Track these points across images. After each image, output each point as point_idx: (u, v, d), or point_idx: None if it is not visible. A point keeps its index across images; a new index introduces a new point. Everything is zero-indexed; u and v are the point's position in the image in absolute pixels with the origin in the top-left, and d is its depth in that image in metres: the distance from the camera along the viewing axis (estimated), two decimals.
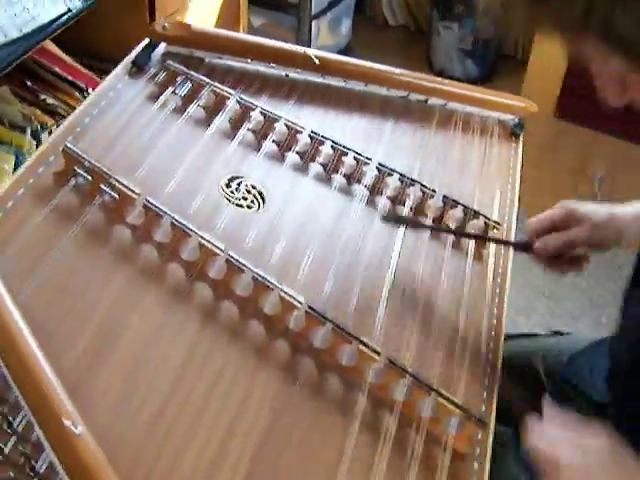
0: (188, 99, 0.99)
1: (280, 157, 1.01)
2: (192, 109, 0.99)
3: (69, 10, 1.41)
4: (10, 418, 0.62)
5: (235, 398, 0.75)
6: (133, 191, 0.81)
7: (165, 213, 0.81)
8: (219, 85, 1.00)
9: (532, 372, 1.12)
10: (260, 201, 0.94)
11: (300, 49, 1.12)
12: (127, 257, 0.80)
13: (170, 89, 0.98)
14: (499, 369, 0.92)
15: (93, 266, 0.77)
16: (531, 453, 0.77)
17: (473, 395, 0.86)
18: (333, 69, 1.14)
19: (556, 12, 0.64)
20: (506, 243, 1.04)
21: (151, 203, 0.81)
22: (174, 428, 0.70)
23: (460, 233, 1.02)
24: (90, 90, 1.97)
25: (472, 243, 1.04)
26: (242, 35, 1.29)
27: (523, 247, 1.03)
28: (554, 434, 0.77)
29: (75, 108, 0.87)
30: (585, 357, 1.11)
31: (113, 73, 0.98)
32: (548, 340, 1.20)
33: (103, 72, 1.94)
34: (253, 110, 1.01)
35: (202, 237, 0.81)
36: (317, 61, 1.10)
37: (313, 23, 2.73)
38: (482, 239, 1.04)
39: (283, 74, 1.13)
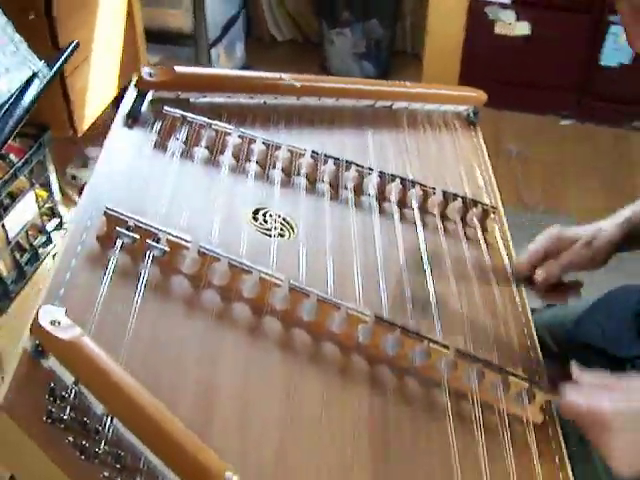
0: (192, 142, 0.99)
1: (289, 182, 1.02)
2: (199, 151, 0.99)
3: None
4: None
5: (337, 419, 0.76)
6: (185, 240, 0.81)
7: (221, 256, 0.81)
8: (218, 123, 1.01)
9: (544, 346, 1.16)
10: (288, 227, 0.95)
11: (276, 76, 1.13)
12: (195, 306, 0.79)
13: (176, 134, 0.98)
14: (535, 338, 0.97)
15: (169, 325, 0.76)
16: (572, 413, 0.79)
17: (529, 366, 0.92)
18: (309, 90, 1.16)
19: None
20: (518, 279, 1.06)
21: (205, 248, 0.81)
22: (297, 459, 0.70)
23: None
24: (12, 156, 1.92)
25: (481, 233, 1.09)
26: (222, 71, 1.28)
27: (524, 280, 1.05)
28: (591, 389, 0.80)
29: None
30: (592, 316, 1.16)
31: (113, 128, 0.97)
32: (545, 313, 1.25)
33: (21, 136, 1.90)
34: (254, 142, 1.02)
35: (261, 271, 0.82)
36: (298, 85, 1.12)
37: (212, 51, 2.74)
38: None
39: (262, 102, 1.14)
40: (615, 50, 2.78)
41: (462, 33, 2.89)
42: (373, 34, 3.07)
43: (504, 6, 2.79)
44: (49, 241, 2.11)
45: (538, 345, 0.97)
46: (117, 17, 2.36)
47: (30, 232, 2.05)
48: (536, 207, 2.57)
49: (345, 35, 3.05)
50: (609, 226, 1.05)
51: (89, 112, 2.21)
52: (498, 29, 2.83)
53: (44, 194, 2.10)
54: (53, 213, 2.16)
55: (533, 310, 1.29)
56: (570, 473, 0.82)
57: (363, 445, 0.76)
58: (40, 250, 2.08)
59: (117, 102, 2.37)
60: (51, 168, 2.08)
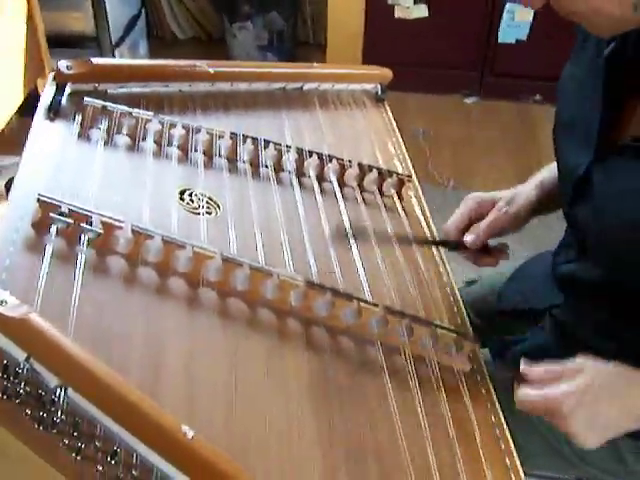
0: (114, 130, 1.02)
1: (211, 163, 1.06)
2: (122, 139, 1.02)
3: None
4: (113, 450, 0.64)
5: (279, 377, 0.81)
6: (118, 220, 0.83)
7: (155, 233, 0.84)
8: (138, 111, 1.03)
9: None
10: (215, 206, 0.99)
11: (190, 63, 1.17)
12: (133, 284, 0.82)
13: (97, 124, 1.00)
14: (457, 293, 1.04)
15: (110, 303, 0.79)
16: (529, 408, 0.84)
17: (454, 320, 0.99)
18: (222, 75, 1.20)
19: None
20: (443, 244, 1.11)
21: (139, 227, 0.84)
22: (245, 416, 0.75)
23: (421, 241, 1.11)
24: None
25: (398, 202, 1.15)
26: (138, 61, 1.30)
27: (456, 246, 1.09)
28: (541, 382, 0.84)
29: None
30: (512, 284, 1.23)
31: (35, 122, 0.99)
32: (465, 291, 1.29)
33: None
34: (174, 127, 1.05)
35: (194, 245, 0.85)
36: (212, 70, 1.15)
37: (116, 52, 2.73)
38: (431, 244, 1.12)
39: (177, 90, 1.17)
40: (511, 27, 2.90)
41: (362, 19, 2.96)
42: (274, 26, 3.12)
43: None
44: None
45: (460, 299, 1.04)
46: (17, 23, 2.33)
47: None
48: (446, 184, 2.66)
49: (247, 29, 3.09)
50: (525, 188, 1.11)
51: None
52: (397, 13, 2.91)
53: None
54: None
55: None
56: (500, 414, 0.89)
57: (305, 399, 0.80)
58: None
59: (22, 110, 2.34)
60: None
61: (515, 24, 2.87)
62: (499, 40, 2.93)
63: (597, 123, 0.88)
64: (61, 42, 2.66)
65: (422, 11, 2.90)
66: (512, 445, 0.85)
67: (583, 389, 0.81)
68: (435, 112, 2.99)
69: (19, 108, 2.35)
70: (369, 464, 0.77)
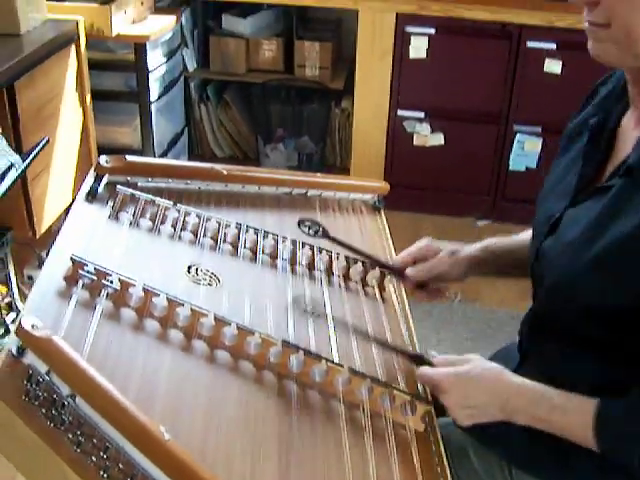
0: (138, 215, 1.23)
1: (217, 247, 1.27)
2: (144, 222, 1.23)
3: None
4: (105, 446, 0.83)
5: (251, 418, 0.98)
6: (132, 279, 1.04)
7: (161, 292, 1.04)
8: (160, 199, 1.25)
9: None
10: (215, 279, 1.19)
11: (208, 166, 1.40)
12: (139, 330, 1.02)
13: (125, 209, 1.22)
14: None
15: (119, 343, 0.99)
16: (423, 381, 1.12)
17: (412, 383, 1.15)
18: (236, 177, 1.42)
19: None
20: (388, 268, 1.36)
21: (149, 286, 1.04)
22: (217, 444, 0.92)
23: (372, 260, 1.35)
24: None
25: (377, 288, 1.34)
26: (164, 161, 1.53)
27: (399, 273, 1.34)
28: (438, 365, 1.11)
29: None
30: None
31: (75, 203, 1.22)
32: None
33: None
34: (189, 215, 1.27)
35: (192, 304, 1.05)
36: (225, 172, 1.38)
37: None
38: (374, 263, 1.35)
39: (197, 187, 1.40)
40: (521, 156, 3.14)
41: (384, 146, 3.23)
42: (305, 149, 3.41)
43: (420, 120, 3.14)
44: (7, 332, 2.30)
45: None
46: (74, 134, 2.63)
47: None
48: (453, 298, 2.84)
49: (279, 150, 3.38)
50: (470, 246, 1.35)
51: (47, 216, 2.45)
52: (416, 141, 3.18)
53: (4, 289, 2.30)
54: (11, 308, 2.36)
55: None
56: (448, 472, 1.04)
57: (271, 439, 0.97)
58: None
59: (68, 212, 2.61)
60: (11, 266, 2.29)
61: (524, 153, 3.11)
62: (510, 168, 3.16)
63: (576, 179, 1.11)
64: (110, 152, 2.94)
65: (439, 139, 3.16)
66: None
67: (462, 373, 1.07)
68: (448, 233, 3.18)
69: (67, 209, 2.62)
70: None
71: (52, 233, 2.53)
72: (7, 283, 2.31)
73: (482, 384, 1.06)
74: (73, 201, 2.52)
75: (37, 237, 2.42)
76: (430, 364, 1.13)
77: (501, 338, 1.91)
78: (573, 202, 1.10)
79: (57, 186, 2.50)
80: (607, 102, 1.13)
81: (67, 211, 2.58)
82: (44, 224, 2.44)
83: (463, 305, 2.81)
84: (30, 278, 2.61)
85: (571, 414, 1.01)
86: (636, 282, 0.97)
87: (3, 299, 2.30)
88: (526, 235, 1.32)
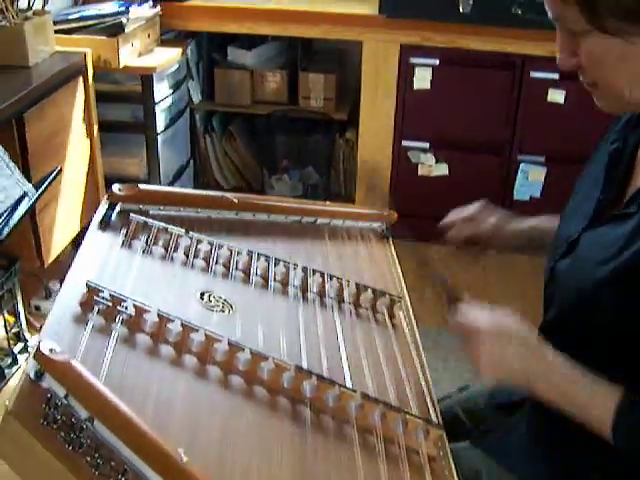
0: (151, 242, 1.25)
1: (229, 274, 1.28)
2: (157, 249, 1.25)
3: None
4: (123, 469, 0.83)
5: (266, 443, 0.99)
6: (147, 305, 1.05)
7: (175, 317, 1.05)
8: (173, 227, 1.27)
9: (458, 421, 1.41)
10: (228, 306, 1.19)
11: (219, 194, 1.41)
12: (154, 356, 1.03)
13: (138, 236, 1.24)
14: (432, 389, 1.21)
15: (134, 369, 1.00)
16: (456, 329, 1.14)
17: (424, 408, 1.15)
18: (246, 206, 1.44)
19: None
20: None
21: (163, 312, 1.05)
22: (233, 465, 0.93)
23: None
24: None
25: (387, 315, 1.34)
26: (176, 189, 1.55)
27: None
28: (474, 313, 1.14)
29: None
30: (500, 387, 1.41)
31: (89, 231, 1.23)
32: (458, 396, 1.49)
33: None
34: (201, 243, 1.28)
35: (206, 330, 1.06)
36: (236, 200, 1.40)
37: None
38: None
39: (208, 216, 1.41)
40: (525, 186, 3.16)
41: (388, 176, 3.25)
42: (309, 179, 3.43)
43: (424, 150, 3.17)
44: (15, 362, 2.30)
45: (434, 393, 1.21)
46: (81, 165, 2.66)
47: None
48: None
49: (284, 180, 3.41)
50: (519, 221, 1.44)
51: (54, 246, 2.47)
52: (420, 171, 3.20)
53: (12, 319, 2.31)
54: (19, 337, 2.36)
55: (449, 396, 1.54)
56: None
57: (285, 464, 0.97)
58: (6, 370, 2.27)
59: (78, 241, 2.63)
60: (19, 296, 2.30)
61: (529, 183, 3.13)
62: (514, 197, 3.18)
63: (595, 202, 1.14)
64: (117, 183, 2.98)
65: (443, 169, 3.19)
66: None
67: (499, 332, 1.09)
68: (453, 263, 3.19)
69: (74, 239, 2.63)
70: None
71: (59, 263, 2.55)
72: (15, 313, 2.32)
73: (521, 342, 1.08)
74: (81, 231, 2.57)
75: (45, 267, 2.44)
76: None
77: None
78: (591, 225, 1.13)
79: (65, 216, 2.52)
80: (626, 129, 1.17)
81: (74, 242, 2.62)
82: (52, 254, 2.46)
83: None
84: (37, 308, 2.62)
85: (593, 397, 1.03)
86: None
87: (11, 329, 2.31)
88: None
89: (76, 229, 2.62)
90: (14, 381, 2.26)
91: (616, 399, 1.01)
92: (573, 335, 1.12)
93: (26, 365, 0.89)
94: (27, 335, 2.38)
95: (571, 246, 1.15)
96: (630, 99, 1.02)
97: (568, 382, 1.05)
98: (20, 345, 2.36)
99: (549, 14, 1.04)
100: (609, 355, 1.07)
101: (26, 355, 2.35)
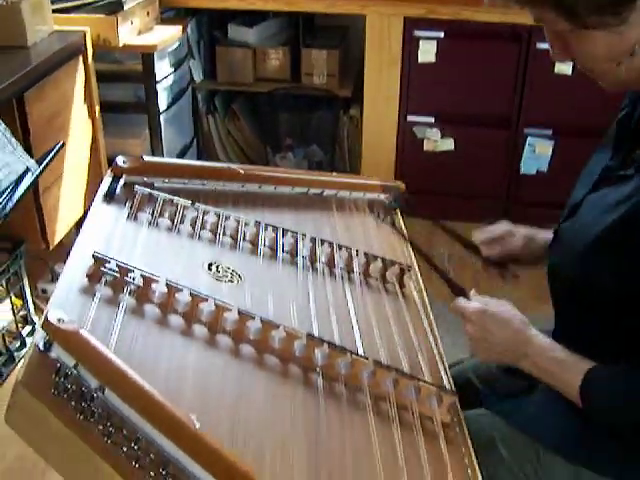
0: (157, 214, 1.23)
1: (236, 245, 1.26)
2: (163, 221, 1.23)
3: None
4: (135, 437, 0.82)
5: (278, 409, 0.98)
6: (155, 275, 1.03)
7: (184, 287, 1.04)
8: (179, 199, 1.25)
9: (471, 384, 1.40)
10: (237, 276, 1.18)
11: (225, 165, 1.39)
12: (164, 326, 1.01)
13: (144, 208, 1.22)
14: (444, 357, 1.19)
15: (144, 339, 0.98)
16: (457, 311, 1.18)
17: (437, 375, 1.14)
18: (253, 177, 1.42)
19: None
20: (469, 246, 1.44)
21: (172, 282, 1.04)
22: (245, 434, 0.91)
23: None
24: None
25: (397, 285, 1.33)
26: (181, 161, 1.53)
27: (476, 250, 1.41)
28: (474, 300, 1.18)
29: None
30: None
31: (94, 204, 1.21)
32: (470, 361, 1.47)
33: None
34: (208, 214, 1.27)
35: (216, 299, 1.04)
36: (242, 171, 1.38)
37: None
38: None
39: (213, 188, 1.39)
40: (532, 159, 3.13)
41: (394, 152, 3.22)
42: (314, 157, 3.41)
43: (430, 125, 3.14)
44: (23, 345, 2.30)
45: (446, 360, 1.19)
46: (84, 145, 2.64)
47: (6, 337, 2.24)
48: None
49: (288, 159, 3.38)
50: (548, 232, 1.35)
51: (59, 228, 2.45)
52: (426, 146, 3.17)
53: (19, 303, 2.30)
54: (26, 320, 2.35)
55: (461, 361, 1.52)
56: (475, 460, 1.03)
57: (299, 431, 0.96)
58: (15, 354, 2.26)
59: (81, 224, 2.61)
60: (25, 279, 2.29)
61: (536, 156, 3.10)
62: (521, 171, 3.15)
63: (601, 167, 1.15)
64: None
65: (449, 145, 3.16)
66: None
67: (491, 311, 1.15)
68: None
69: (78, 221, 2.62)
70: None
71: (64, 246, 2.53)
72: (22, 296, 2.31)
73: (504, 325, 1.13)
74: (85, 213, 2.55)
75: (50, 249, 2.42)
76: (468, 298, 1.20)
77: None
78: (594, 189, 1.14)
79: (68, 198, 2.50)
80: (634, 95, 1.16)
81: (78, 224, 2.60)
82: (57, 236, 2.44)
83: None
84: (44, 291, 2.61)
85: (567, 370, 1.09)
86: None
87: (18, 312, 2.30)
88: None
89: (80, 211, 2.60)
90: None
91: (584, 369, 1.08)
92: (576, 303, 1.15)
93: (35, 336, 0.87)
94: (35, 318, 2.37)
95: (574, 209, 1.16)
96: (627, 79, 1.05)
97: (553, 364, 1.11)
98: (28, 328, 2.35)
99: (531, 17, 1.06)
100: (615, 322, 1.10)
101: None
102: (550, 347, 1.12)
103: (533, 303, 1.98)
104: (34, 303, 2.41)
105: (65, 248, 2.53)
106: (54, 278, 2.67)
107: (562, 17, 0.99)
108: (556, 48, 1.06)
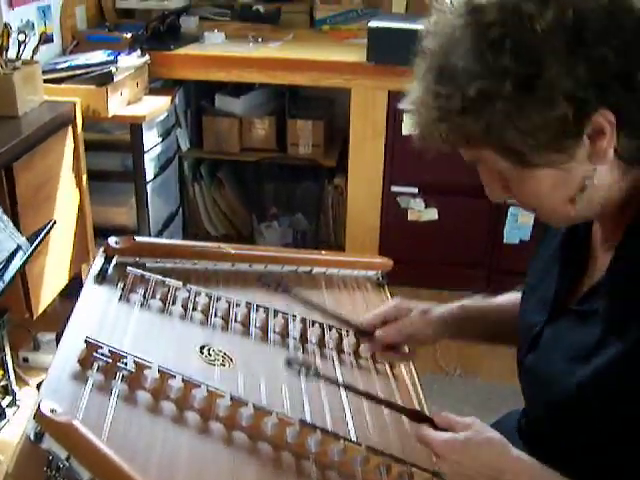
0: (149, 295, 1.23)
1: (228, 327, 1.26)
2: (155, 302, 1.23)
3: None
4: None
5: None
6: (148, 361, 1.03)
7: (177, 373, 1.03)
8: (170, 280, 1.25)
9: None
10: (228, 360, 1.18)
11: (215, 245, 1.40)
12: (156, 413, 1.00)
13: (136, 290, 1.22)
14: None
15: (136, 427, 0.97)
16: (423, 443, 1.04)
17: (430, 460, 1.10)
18: (242, 257, 1.43)
19: (461, 127, 0.92)
20: (358, 330, 1.32)
21: (164, 368, 1.03)
22: None
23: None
24: None
25: (387, 365, 1.33)
26: (172, 241, 1.54)
27: (368, 334, 1.29)
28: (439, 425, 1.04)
29: None
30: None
31: (85, 285, 1.21)
32: None
33: None
34: (199, 295, 1.27)
35: (208, 385, 1.04)
36: (233, 251, 1.39)
37: None
38: (343, 324, 1.32)
39: (204, 268, 1.40)
40: (515, 229, 3.16)
41: (378, 221, 3.24)
42: (299, 226, 3.43)
43: (413, 195, 3.17)
44: (3, 416, 2.26)
45: None
46: (70, 215, 2.64)
47: None
48: (453, 372, 2.82)
49: (273, 228, 3.40)
50: (442, 307, 1.31)
51: (44, 297, 2.43)
52: (410, 216, 3.20)
53: (0, 373, 2.27)
54: (6, 391, 2.32)
55: None
56: None
57: None
58: None
59: (66, 292, 2.59)
60: (7, 348, 2.26)
61: (518, 226, 3.13)
62: (504, 241, 3.18)
63: (552, 292, 1.09)
64: (106, 233, 2.95)
65: (432, 214, 3.19)
66: None
67: (460, 441, 1.00)
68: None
69: (62, 290, 2.60)
70: None
71: (48, 315, 2.51)
72: (3, 366, 2.28)
73: (479, 455, 1.00)
74: (69, 282, 2.53)
75: (34, 318, 2.40)
76: (429, 420, 1.08)
77: (503, 413, 1.92)
78: (551, 317, 1.09)
79: (54, 267, 2.49)
80: None
81: (62, 293, 2.59)
82: (41, 305, 2.42)
83: (464, 379, 2.79)
84: (26, 360, 2.58)
85: None
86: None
87: None
88: (502, 299, 1.33)
89: (65, 280, 2.59)
90: (2, 435, 2.21)
91: None
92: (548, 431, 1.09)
93: (26, 426, 0.86)
94: (15, 388, 2.34)
95: (535, 340, 1.10)
96: (576, 216, 0.99)
97: None
98: (8, 399, 2.32)
99: (464, 158, 1.01)
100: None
101: (14, 409, 2.30)
102: (538, 471, 1.00)
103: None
104: (15, 372, 2.38)
105: (49, 316, 2.52)
106: (36, 347, 2.64)
107: (502, 156, 0.93)
108: (493, 186, 1.01)
